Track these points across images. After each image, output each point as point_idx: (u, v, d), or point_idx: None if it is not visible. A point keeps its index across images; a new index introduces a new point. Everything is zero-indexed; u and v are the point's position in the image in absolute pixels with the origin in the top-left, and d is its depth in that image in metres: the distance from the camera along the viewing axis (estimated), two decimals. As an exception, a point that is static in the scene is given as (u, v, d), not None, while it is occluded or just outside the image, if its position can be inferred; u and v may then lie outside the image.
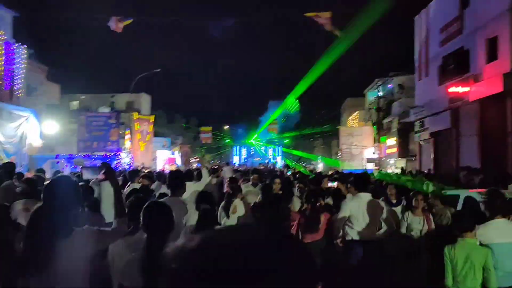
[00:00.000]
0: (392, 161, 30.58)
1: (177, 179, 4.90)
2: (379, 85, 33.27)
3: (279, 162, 61.87)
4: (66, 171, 20.44)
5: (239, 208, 6.17)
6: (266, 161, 57.13)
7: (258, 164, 41.15)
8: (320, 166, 50.52)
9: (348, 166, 28.37)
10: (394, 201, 7.01)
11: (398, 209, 6.48)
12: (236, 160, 59.93)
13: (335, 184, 7.55)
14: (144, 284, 2.68)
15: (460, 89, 18.23)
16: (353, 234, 5.33)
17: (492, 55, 16.69)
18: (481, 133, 17.70)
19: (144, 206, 3.17)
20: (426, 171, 21.91)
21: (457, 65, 19.18)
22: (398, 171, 25.71)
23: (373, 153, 29.51)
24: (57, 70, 30.52)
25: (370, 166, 28.84)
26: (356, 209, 5.27)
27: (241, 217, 6.06)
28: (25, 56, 20.93)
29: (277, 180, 7.41)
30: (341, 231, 5.45)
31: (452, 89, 18.38)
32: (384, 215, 5.44)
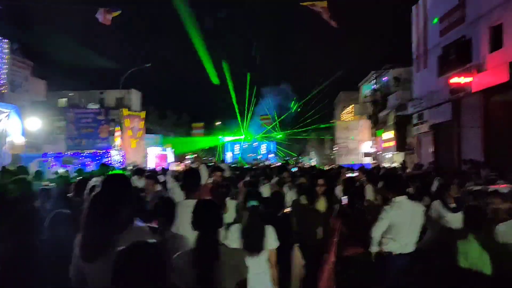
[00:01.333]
0: (389, 155, 30.05)
1: (193, 179, 4.28)
2: (375, 78, 32.67)
3: (273, 158, 61.27)
4: (54, 170, 19.59)
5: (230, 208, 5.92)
6: (259, 157, 56.47)
7: (252, 160, 40.42)
8: (313, 161, 50.00)
9: (345, 160, 27.77)
10: (452, 205, 5.61)
11: (458, 216, 4.96)
12: (229, 156, 59.18)
13: (355, 174, 6.63)
14: (197, 280, 2.77)
15: (462, 80, 17.65)
16: (394, 247, 4.46)
17: (496, 44, 16.11)
18: (485, 125, 17.15)
19: (196, 205, 3.23)
20: (425, 165, 21.42)
21: (458, 55, 18.59)
22: (396, 165, 25.19)
23: (370, 147, 28.94)
24: (43, 65, 29.48)
25: (368, 160, 28.27)
26: (398, 218, 4.40)
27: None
28: (7, 50, 19.94)
29: (320, 181, 6.13)
30: (376, 242, 4.58)
31: (453, 80, 17.79)
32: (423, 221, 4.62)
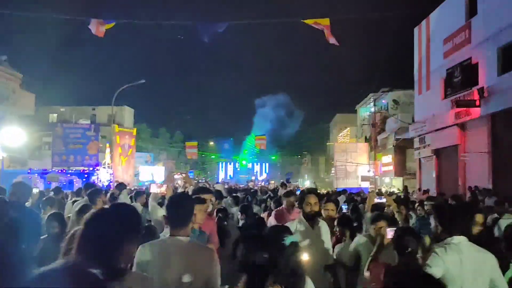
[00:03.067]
0: (388, 179, 29.23)
1: (183, 211, 3.04)
2: (373, 101, 32.11)
3: (264, 179, 60.28)
4: (39, 187, 18.44)
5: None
6: (253, 177, 55.44)
7: (246, 181, 39.41)
8: (306, 184, 49.05)
9: (343, 184, 26.86)
10: None
11: None
12: (221, 176, 58.07)
13: (383, 200, 5.56)
14: None
15: (468, 103, 17.00)
16: None
17: (505, 66, 15.48)
18: (493, 150, 16.38)
19: (243, 240, 2.66)
20: (425, 190, 20.58)
21: (464, 77, 17.98)
22: (395, 190, 24.33)
23: (368, 171, 28.10)
24: (33, 78, 28.53)
25: (365, 185, 27.37)
26: (457, 268, 3.04)
27: None
28: (-6, 60, 19.03)
29: (330, 206, 5.40)
30: None
31: (460, 103, 17.12)
32: (496, 273, 3.13)
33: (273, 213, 6.06)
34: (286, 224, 3.88)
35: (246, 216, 6.61)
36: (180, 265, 2.72)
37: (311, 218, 4.32)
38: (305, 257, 2.75)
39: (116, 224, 2.07)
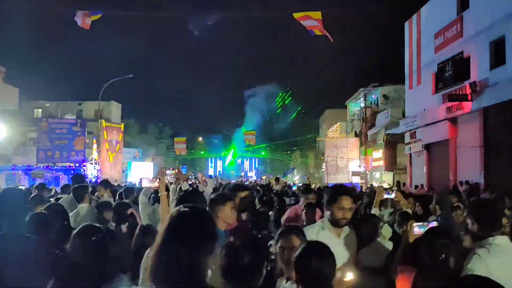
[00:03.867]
0: (378, 174, 29.18)
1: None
2: (363, 96, 32.01)
3: (254, 175, 60.06)
4: (24, 184, 17.94)
5: None
6: (242, 173, 55.20)
7: (236, 177, 39.14)
8: (296, 179, 48.93)
9: (334, 179, 26.74)
10: None
11: None
12: (211, 172, 57.66)
13: (392, 195, 5.22)
14: None
15: (460, 97, 16.91)
16: None
17: (498, 60, 15.38)
18: (485, 145, 16.31)
19: (301, 251, 2.40)
20: (418, 186, 20.53)
21: (455, 72, 17.87)
22: (385, 185, 24.26)
23: (359, 166, 28.01)
24: (16, 72, 27.78)
25: (356, 180, 27.29)
26: (502, 270, 2.63)
27: None
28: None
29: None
30: None
31: (452, 98, 17.01)
32: None
33: (287, 211, 5.67)
34: (305, 228, 3.31)
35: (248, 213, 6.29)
36: None
37: (339, 225, 3.40)
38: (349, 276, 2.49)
39: (193, 234, 1.64)
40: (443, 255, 2.65)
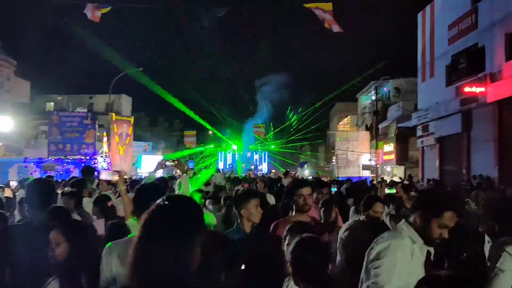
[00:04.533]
0: (389, 168, 28.89)
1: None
2: (374, 89, 31.65)
3: (265, 169, 59.86)
4: (36, 177, 18.05)
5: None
6: (252, 166, 55.08)
7: (246, 170, 39.04)
8: (306, 173, 48.73)
9: (344, 173, 26.52)
10: None
11: None
12: (220, 166, 57.63)
13: (393, 191, 5.07)
14: None
15: (475, 90, 16.56)
16: None
17: (514, 51, 15.03)
18: (499, 138, 16.00)
19: (295, 245, 2.38)
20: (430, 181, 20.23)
21: (470, 64, 17.52)
22: (397, 179, 23.99)
23: (369, 159, 27.73)
24: (28, 65, 27.94)
25: (367, 174, 27.02)
26: None
27: None
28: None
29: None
30: None
31: (467, 90, 16.67)
32: None
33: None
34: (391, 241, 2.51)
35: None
36: None
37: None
38: None
39: (181, 225, 1.49)
40: (464, 254, 2.50)
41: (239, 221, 3.40)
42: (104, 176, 4.74)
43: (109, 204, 4.33)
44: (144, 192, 2.99)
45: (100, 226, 3.76)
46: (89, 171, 7.48)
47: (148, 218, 1.49)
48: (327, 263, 2.39)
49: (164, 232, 1.44)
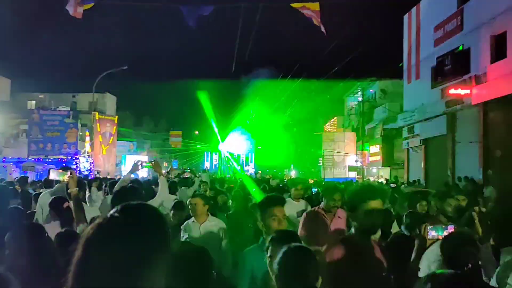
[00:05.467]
0: (375, 169, 28.92)
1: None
2: (360, 90, 31.70)
3: (251, 169, 59.65)
4: (15, 177, 17.56)
5: None
6: (239, 167, 54.78)
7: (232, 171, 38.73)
8: (292, 174, 48.62)
9: (330, 174, 26.48)
10: None
11: None
12: (207, 166, 57.24)
13: None
14: None
15: (460, 91, 16.60)
16: None
17: (498, 54, 15.07)
18: (484, 140, 16.05)
19: (286, 252, 2.11)
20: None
21: (455, 66, 17.53)
22: (383, 180, 24.01)
23: (356, 161, 27.75)
24: (8, 63, 27.28)
25: (353, 175, 27.03)
26: None
27: None
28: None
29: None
30: None
31: (452, 91, 16.70)
32: None
33: (304, 217, 4.62)
34: None
35: None
36: None
37: None
38: None
39: (139, 239, 1.20)
40: (470, 265, 2.31)
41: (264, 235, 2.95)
42: (52, 175, 4.40)
43: (65, 206, 4.02)
44: (121, 195, 2.76)
45: (55, 229, 3.48)
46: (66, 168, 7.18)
47: (91, 234, 1.23)
48: (316, 274, 2.16)
49: (108, 254, 1.18)
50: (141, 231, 1.21)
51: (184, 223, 4.74)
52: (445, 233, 2.68)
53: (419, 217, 4.07)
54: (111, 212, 1.27)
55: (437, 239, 2.68)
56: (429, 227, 2.74)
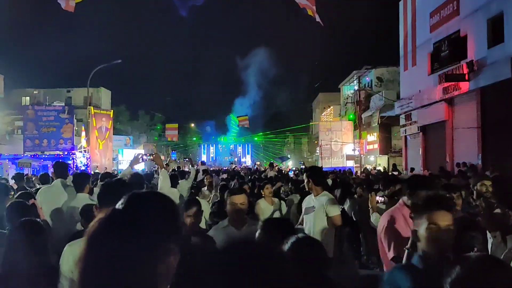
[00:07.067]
0: (373, 158, 28.92)
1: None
2: (357, 78, 31.56)
3: (248, 161, 59.68)
4: (11, 174, 17.40)
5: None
6: (235, 159, 54.84)
7: (229, 163, 38.74)
8: (290, 164, 48.63)
9: (328, 163, 26.43)
10: None
11: None
12: (203, 159, 57.22)
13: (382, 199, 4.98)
14: None
15: (457, 77, 16.52)
16: None
17: (496, 38, 14.95)
18: (482, 126, 15.99)
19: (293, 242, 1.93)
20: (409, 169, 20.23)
21: (452, 51, 17.43)
22: (381, 168, 24.00)
23: (353, 149, 27.70)
24: (1, 59, 26.97)
25: (350, 164, 27.01)
26: None
27: None
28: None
29: None
30: None
31: (448, 78, 16.61)
32: None
33: (384, 217, 3.25)
34: None
35: None
36: None
37: None
38: None
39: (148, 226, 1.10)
40: (475, 249, 2.24)
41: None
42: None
43: (31, 202, 3.89)
44: (109, 188, 2.66)
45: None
46: (63, 167, 7.02)
47: (98, 225, 1.13)
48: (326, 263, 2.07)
49: (117, 243, 1.08)
50: (147, 221, 1.12)
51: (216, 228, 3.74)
52: None
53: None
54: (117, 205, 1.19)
55: None
56: None
